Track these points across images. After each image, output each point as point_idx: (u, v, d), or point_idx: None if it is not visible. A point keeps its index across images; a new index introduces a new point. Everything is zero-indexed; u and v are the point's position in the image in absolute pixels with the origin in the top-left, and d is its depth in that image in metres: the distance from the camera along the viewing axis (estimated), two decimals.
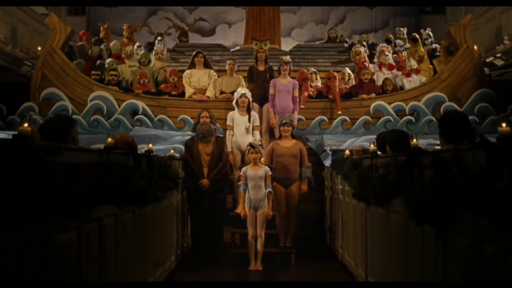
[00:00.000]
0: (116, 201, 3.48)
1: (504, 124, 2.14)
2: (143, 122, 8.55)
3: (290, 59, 8.31)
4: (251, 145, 6.65)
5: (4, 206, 2.08)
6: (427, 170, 3.23)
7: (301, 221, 7.36)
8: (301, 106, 8.37)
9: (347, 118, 8.57)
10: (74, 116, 8.44)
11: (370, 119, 8.59)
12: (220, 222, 7.02)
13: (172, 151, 6.04)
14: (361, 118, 8.61)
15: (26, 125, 2.15)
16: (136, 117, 8.58)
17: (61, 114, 3.71)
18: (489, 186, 2.24)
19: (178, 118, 8.58)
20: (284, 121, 7.14)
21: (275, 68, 8.57)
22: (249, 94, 7.67)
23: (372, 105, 8.67)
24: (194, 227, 7.06)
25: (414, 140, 3.40)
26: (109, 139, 3.36)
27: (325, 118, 8.59)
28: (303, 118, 8.48)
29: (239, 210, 7.05)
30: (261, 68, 8.49)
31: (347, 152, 5.95)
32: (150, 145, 4.70)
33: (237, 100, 7.62)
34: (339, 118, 8.54)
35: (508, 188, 2.15)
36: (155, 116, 8.65)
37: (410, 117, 8.67)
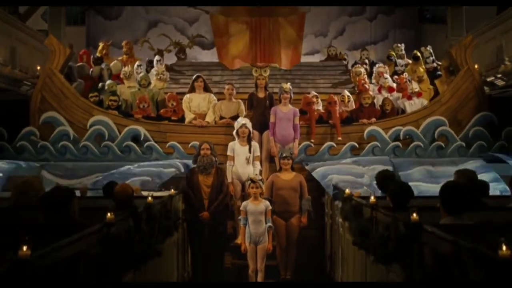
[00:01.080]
0: (117, 273, 3.48)
1: (504, 248, 2.14)
2: (132, 149, 8.55)
3: (291, 87, 8.26)
4: (251, 180, 6.63)
5: None
6: (427, 247, 3.24)
7: (301, 247, 7.36)
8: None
9: (334, 144, 8.57)
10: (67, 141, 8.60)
11: (357, 145, 8.60)
12: (220, 255, 7.00)
13: (172, 190, 6.03)
14: (347, 144, 8.60)
15: (25, 248, 2.13)
16: (125, 143, 8.57)
17: (62, 186, 3.70)
18: None
19: (167, 145, 8.58)
20: (284, 155, 7.10)
21: (276, 90, 8.54)
22: (249, 124, 7.60)
23: (366, 131, 8.66)
24: (195, 260, 7.03)
25: (414, 215, 3.38)
26: (109, 215, 3.34)
27: (311, 144, 8.54)
28: (312, 145, 8.52)
29: (239, 240, 7.05)
30: (261, 95, 8.46)
31: (347, 191, 5.93)
32: (150, 198, 4.70)
33: (237, 131, 7.56)
34: (325, 144, 8.56)
35: None
36: (156, 142, 8.65)
37: (397, 143, 8.67)
